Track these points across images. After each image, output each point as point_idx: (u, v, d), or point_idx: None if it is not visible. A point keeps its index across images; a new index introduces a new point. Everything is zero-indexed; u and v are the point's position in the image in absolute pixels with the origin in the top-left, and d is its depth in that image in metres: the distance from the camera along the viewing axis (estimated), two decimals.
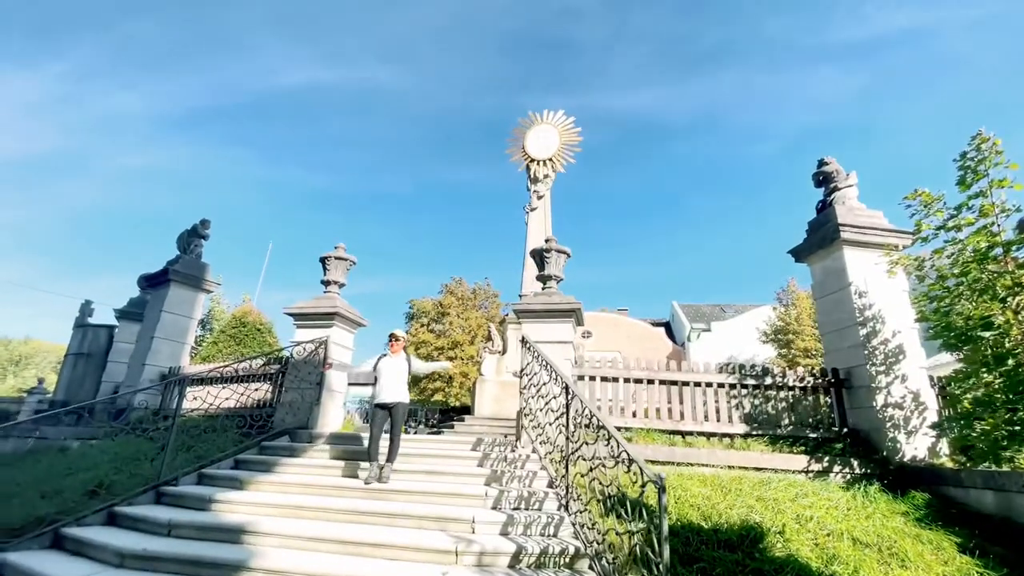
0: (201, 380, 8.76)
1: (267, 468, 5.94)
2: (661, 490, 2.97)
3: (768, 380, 6.91)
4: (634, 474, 3.36)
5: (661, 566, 2.93)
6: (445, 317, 28.17)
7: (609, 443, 3.83)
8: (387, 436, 5.69)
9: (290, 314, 8.11)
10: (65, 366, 12.57)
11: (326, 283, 8.29)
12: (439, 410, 21.10)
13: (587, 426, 4.47)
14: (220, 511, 4.86)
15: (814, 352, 21.46)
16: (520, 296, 12.80)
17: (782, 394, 6.89)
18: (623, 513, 3.49)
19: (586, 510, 4.09)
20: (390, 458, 5.43)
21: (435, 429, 14.03)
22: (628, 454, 3.50)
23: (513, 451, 5.93)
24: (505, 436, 7.11)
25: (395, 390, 5.76)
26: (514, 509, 4.70)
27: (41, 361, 48.03)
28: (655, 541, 3.01)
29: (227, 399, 7.66)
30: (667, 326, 32.07)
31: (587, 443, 4.31)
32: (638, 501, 3.32)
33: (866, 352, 6.45)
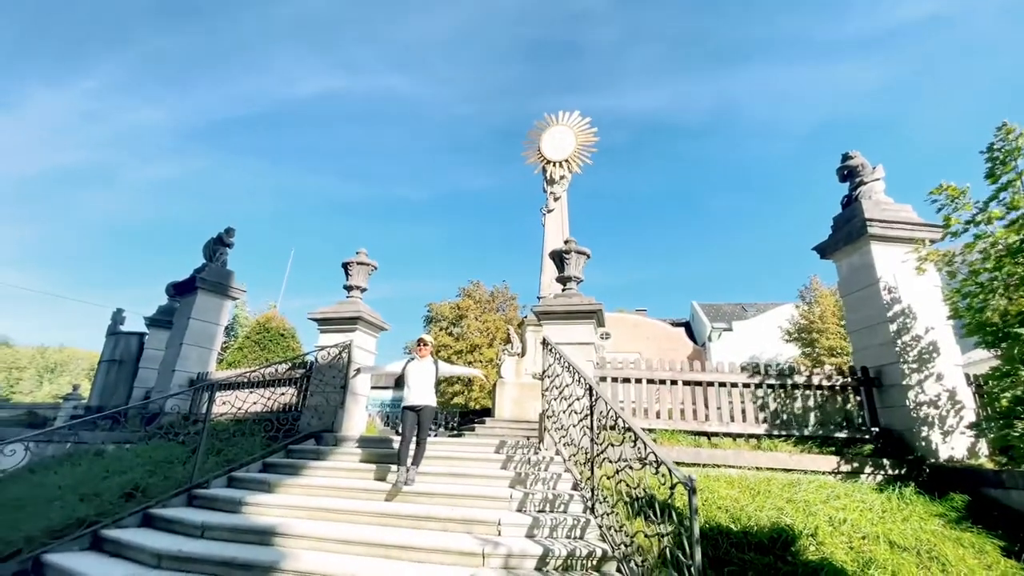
0: (229, 385, 8.95)
1: (294, 471, 6.04)
2: (692, 492, 2.93)
3: (794, 380, 6.77)
4: (662, 476, 3.33)
5: (693, 569, 2.89)
6: (463, 320, 28.32)
7: (636, 445, 3.80)
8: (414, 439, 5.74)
9: (314, 319, 8.25)
10: (99, 373, 12.98)
11: (348, 288, 8.40)
12: (459, 413, 21.17)
13: (612, 428, 4.44)
14: (251, 513, 4.96)
15: (839, 351, 20.94)
16: (539, 298, 12.80)
17: (808, 393, 6.75)
18: (651, 515, 3.46)
19: (613, 512, 4.06)
20: (416, 461, 5.47)
21: (455, 432, 14.08)
22: (656, 456, 3.46)
23: (536, 453, 5.92)
24: (527, 438, 7.11)
25: (423, 393, 5.80)
26: (539, 511, 4.70)
27: (75, 368, 49.73)
28: (686, 543, 2.98)
29: (254, 403, 7.82)
30: (687, 326, 31.59)
31: (613, 445, 4.28)
32: (667, 503, 3.29)
33: (897, 349, 6.28)
